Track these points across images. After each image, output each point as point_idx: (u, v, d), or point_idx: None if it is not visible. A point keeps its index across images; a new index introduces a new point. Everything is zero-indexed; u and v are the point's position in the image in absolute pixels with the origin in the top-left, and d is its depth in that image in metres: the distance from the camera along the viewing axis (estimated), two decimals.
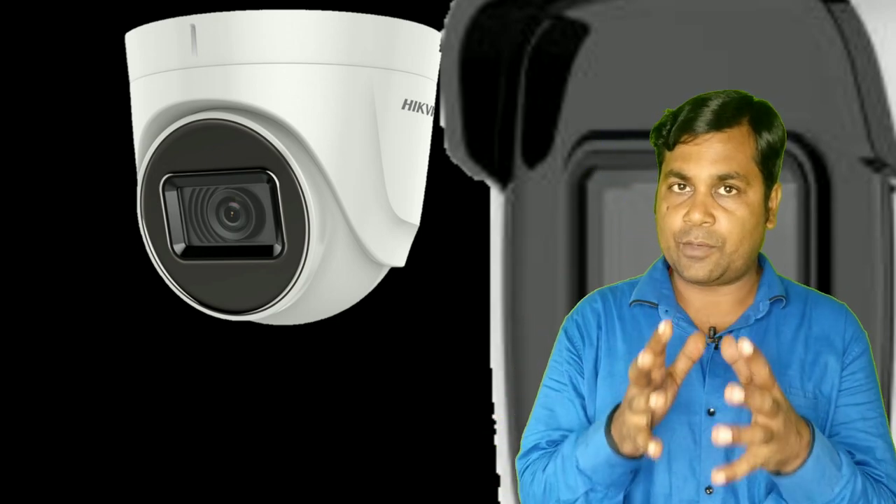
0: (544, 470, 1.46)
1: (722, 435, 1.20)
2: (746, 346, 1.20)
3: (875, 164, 1.94)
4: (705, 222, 1.38)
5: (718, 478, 1.21)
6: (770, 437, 1.23)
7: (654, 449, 1.25)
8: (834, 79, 1.95)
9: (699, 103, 1.41)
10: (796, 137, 1.96)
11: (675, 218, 1.41)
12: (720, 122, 1.38)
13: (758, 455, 1.24)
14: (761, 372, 1.23)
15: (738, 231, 1.38)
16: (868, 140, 1.94)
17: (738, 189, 1.38)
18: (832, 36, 1.94)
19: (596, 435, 1.37)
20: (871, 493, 1.35)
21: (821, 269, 2.00)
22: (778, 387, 1.25)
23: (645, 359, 1.25)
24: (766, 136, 1.40)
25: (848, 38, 1.92)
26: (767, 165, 1.41)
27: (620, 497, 1.40)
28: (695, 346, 1.27)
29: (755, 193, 1.39)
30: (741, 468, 1.23)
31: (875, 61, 1.88)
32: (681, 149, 1.40)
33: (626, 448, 1.33)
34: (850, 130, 1.95)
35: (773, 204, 1.45)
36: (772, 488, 1.39)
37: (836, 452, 1.32)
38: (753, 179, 1.39)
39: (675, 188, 1.41)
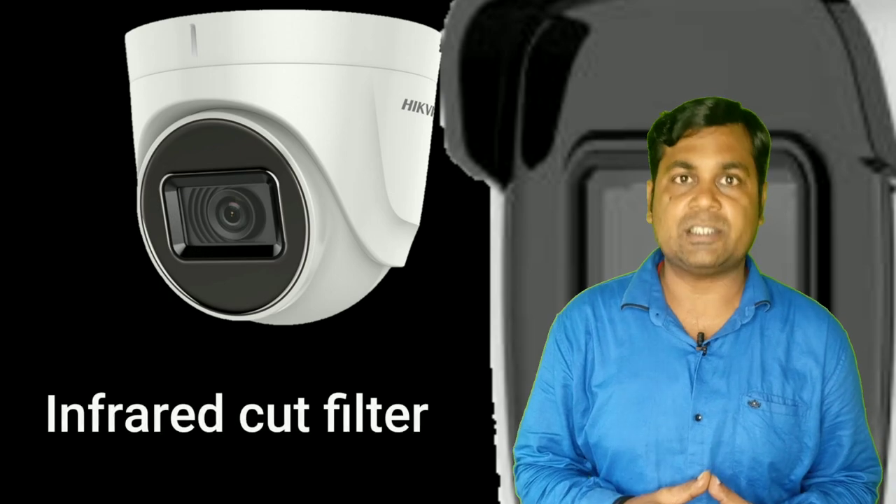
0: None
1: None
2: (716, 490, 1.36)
3: (875, 164, 1.94)
4: (712, 207, 1.43)
5: None
6: None
7: None
8: (834, 79, 1.95)
9: (697, 102, 1.48)
10: (796, 137, 1.95)
11: (678, 206, 1.45)
12: (719, 118, 1.46)
13: None
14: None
15: (741, 218, 1.44)
16: (868, 140, 1.93)
17: (740, 179, 1.44)
18: (832, 36, 1.94)
19: None
20: None
21: (821, 269, 2.00)
22: None
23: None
24: (760, 136, 1.48)
25: (848, 38, 1.92)
26: (760, 162, 1.49)
27: None
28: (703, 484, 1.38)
29: (752, 186, 1.46)
30: None
31: (875, 61, 1.87)
32: (684, 142, 1.46)
33: None
34: (850, 130, 1.95)
35: (763, 201, 1.51)
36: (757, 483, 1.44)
37: None
38: (751, 172, 1.46)
39: (678, 180, 1.46)
